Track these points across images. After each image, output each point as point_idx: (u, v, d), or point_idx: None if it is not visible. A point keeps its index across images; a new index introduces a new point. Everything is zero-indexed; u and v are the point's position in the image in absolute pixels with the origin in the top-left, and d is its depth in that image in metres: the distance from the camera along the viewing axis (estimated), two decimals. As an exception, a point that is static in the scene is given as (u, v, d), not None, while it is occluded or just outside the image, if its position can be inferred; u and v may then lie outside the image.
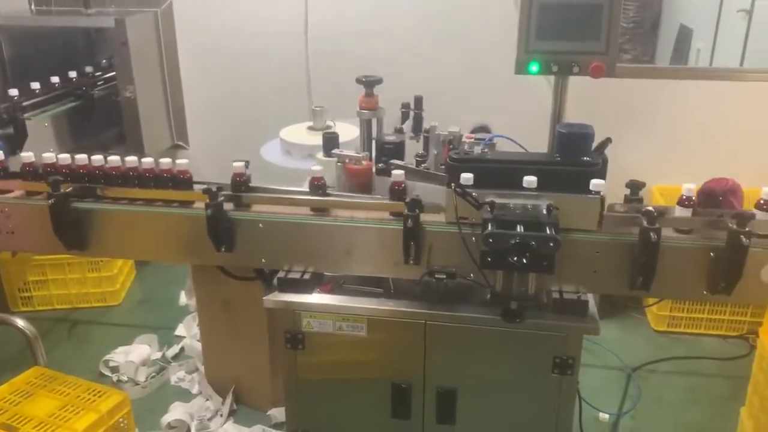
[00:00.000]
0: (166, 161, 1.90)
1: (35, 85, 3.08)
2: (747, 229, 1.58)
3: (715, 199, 1.79)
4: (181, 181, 1.89)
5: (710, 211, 1.70)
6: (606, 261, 1.70)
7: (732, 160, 3.44)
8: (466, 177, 1.66)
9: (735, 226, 1.58)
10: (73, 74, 3.32)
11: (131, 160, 1.91)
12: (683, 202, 1.67)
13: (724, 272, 1.62)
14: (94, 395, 2.22)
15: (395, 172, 1.82)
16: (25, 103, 2.96)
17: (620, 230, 1.70)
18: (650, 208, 1.63)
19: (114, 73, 3.45)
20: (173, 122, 3.74)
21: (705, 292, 1.69)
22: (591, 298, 1.81)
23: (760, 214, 1.64)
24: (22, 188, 1.98)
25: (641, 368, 3.27)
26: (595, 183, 1.66)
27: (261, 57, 3.80)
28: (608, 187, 1.71)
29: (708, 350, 3.42)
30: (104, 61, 3.69)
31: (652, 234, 1.59)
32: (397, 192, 1.79)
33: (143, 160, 1.92)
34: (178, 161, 1.91)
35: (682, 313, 3.50)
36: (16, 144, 2.76)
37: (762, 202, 1.64)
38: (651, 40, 3.92)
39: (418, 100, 2.41)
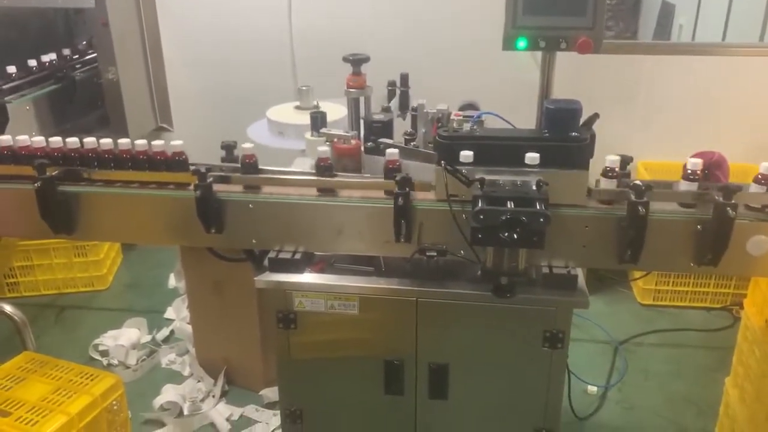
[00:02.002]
0: (158, 143, 1.88)
1: (14, 68, 3.02)
2: (733, 201, 1.60)
3: (701, 172, 1.81)
4: (173, 162, 1.87)
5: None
6: (595, 235, 1.72)
7: (716, 135, 3.48)
8: (466, 155, 1.66)
9: (721, 199, 1.60)
10: (53, 56, 3.26)
11: (121, 142, 1.89)
12: (688, 176, 1.68)
13: (711, 244, 1.64)
14: (87, 378, 2.22)
15: (389, 150, 1.81)
16: (4, 87, 2.91)
17: (609, 205, 1.72)
18: (638, 182, 1.65)
19: (94, 54, 3.40)
20: (157, 104, 3.70)
21: (692, 264, 1.71)
22: (580, 273, 1.83)
23: (754, 187, 1.66)
24: (6, 172, 1.95)
25: (628, 341, 3.33)
26: (610, 159, 1.71)
27: (245, 37, 3.76)
28: (595, 162, 1.72)
29: (693, 322, 3.49)
30: (84, 42, 3.63)
31: (640, 207, 1.61)
32: (392, 171, 1.79)
33: (125, 141, 1.90)
34: (172, 143, 1.88)
35: (667, 287, 3.57)
36: (-3, 128, 2.73)
37: (760, 176, 1.66)
38: (633, 17, 3.92)
39: (404, 78, 2.41)
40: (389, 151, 1.81)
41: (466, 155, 1.67)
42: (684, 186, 1.70)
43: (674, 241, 1.70)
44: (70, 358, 2.42)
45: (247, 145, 1.88)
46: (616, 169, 1.72)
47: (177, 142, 1.88)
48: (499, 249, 1.69)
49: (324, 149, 1.85)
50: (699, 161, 1.69)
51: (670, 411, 2.88)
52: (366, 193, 1.82)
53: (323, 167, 1.84)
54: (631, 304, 3.65)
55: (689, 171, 1.69)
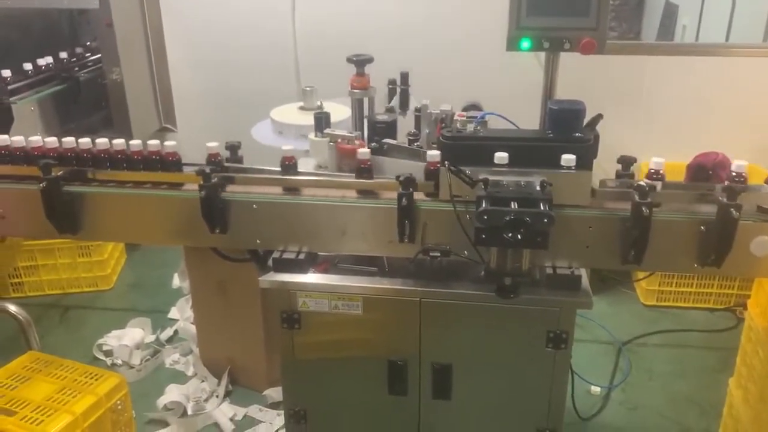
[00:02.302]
0: (170, 144, 1.90)
1: (19, 69, 3.04)
2: (737, 202, 1.60)
3: (705, 173, 1.81)
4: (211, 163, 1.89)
5: (700, 185, 1.73)
6: (599, 236, 1.72)
7: (719, 136, 3.48)
8: (501, 156, 1.65)
9: (725, 200, 1.60)
10: (57, 57, 3.27)
11: (121, 143, 1.91)
12: (732, 179, 1.68)
13: (715, 245, 1.64)
14: (91, 378, 2.22)
15: (430, 152, 1.80)
16: (9, 87, 2.93)
17: (612, 205, 1.72)
18: (642, 182, 1.65)
19: (98, 55, 3.41)
20: (161, 105, 3.71)
21: (695, 265, 1.71)
22: (584, 273, 1.83)
23: (766, 188, 1.67)
24: (12, 172, 1.96)
25: (631, 342, 3.33)
26: (655, 161, 1.73)
27: (248, 37, 3.77)
28: (598, 163, 1.73)
29: (696, 323, 3.48)
30: (88, 43, 3.64)
31: (644, 208, 1.61)
32: (433, 172, 1.77)
33: (136, 143, 1.91)
34: (209, 144, 1.90)
35: (670, 288, 3.56)
36: (1, 128, 2.74)
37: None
38: (636, 18, 3.92)
39: (404, 76, 2.41)
40: (430, 152, 1.80)
41: (501, 157, 1.66)
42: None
43: (678, 242, 1.70)
44: (75, 358, 2.43)
45: (287, 147, 1.89)
46: (661, 172, 1.71)
47: (213, 144, 1.90)
48: (502, 249, 1.69)
49: (365, 151, 1.85)
50: (744, 163, 1.69)
51: (673, 411, 2.88)
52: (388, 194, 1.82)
53: (363, 169, 1.83)
54: (634, 304, 3.64)
55: (735, 173, 1.68)
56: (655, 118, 3.66)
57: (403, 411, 2.00)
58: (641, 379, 3.09)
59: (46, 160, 1.85)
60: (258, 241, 1.91)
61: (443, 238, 1.77)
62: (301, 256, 1.90)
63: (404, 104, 2.38)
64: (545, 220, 1.54)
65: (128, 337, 3.25)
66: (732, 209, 1.59)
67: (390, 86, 2.39)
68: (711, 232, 1.64)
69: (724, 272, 1.72)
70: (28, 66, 3.09)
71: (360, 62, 2.16)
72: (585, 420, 2.80)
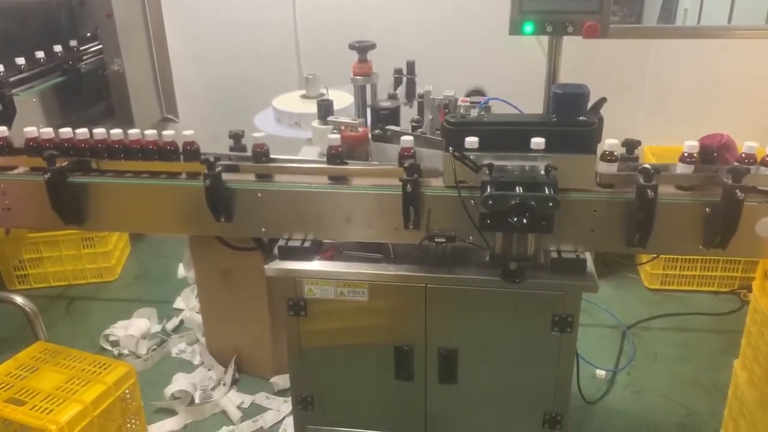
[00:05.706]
0: (169, 133, 1.89)
1: (20, 61, 3.03)
2: (742, 183, 1.60)
3: (710, 155, 1.81)
4: (184, 152, 1.88)
5: (705, 167, 1.72)
6: (604, 219, 1.72)
7: (723, 118, 3.46)
8: (471, 141, 1.67)
9: (730, 181, 1.60)
10: (58, 48, 3.26)
11: (130, 132, 1.91)
12: (685, 159, 1.69)
13: (720, 227, 1.64)
14: (100, 368, 2.24)
15: (404, 138, 1.81)
16: (11, 79, 2.92)
17: (617, 189, 1.72)
18: (647, 165, 1.65)
19: (99, 46, 3.40)
20: (162, 95, 3.70)
21: (701, 247, 1.72)
22: (589, 257, 1.83)
23: (763, 169, 1.66)
24: (18, 164, 1.97)
25: (636, 326, 3.34)
26: (609, 143, 1.68)
27: (249, 26, 3.75)
28: (602, 147, 1.72)
29: (701, 306, 3.49)
30: (88, 34, 3.63)
31: (648, 191, 1.61)
32: (407, 158, 1.79)
33: (134, 132, 1.91)
34: (184, 133, 1.89)
35: (674, 271, 3.57)
36: (4, 120, 2.73)
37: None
38: (638, 2, 3.90)
39: (411, 65, 2.40)
40: (404, 138, 1.81)
41: (471, 141, 1.67)
42: (680, 168, 1.70)
43: (683, 225, 1.70)
44: (82, 348, 2.44)
45: (258, 134, 1.89)
46: (615, 153, 1.71)
47: (188, 132, 1.89)
48: (507, 234, 1.70)
49: (335, 137, 1.86)
50: (696, 144, 1.69)
51: (678, 394, 2.89)
52: (374, 180, 1.83)
53: (334, 155, 1.84)
54: (638, 288, 3.65)
55: (686, 154, 1.69)
56: (659, 101, 3.65)
57: (409, 396, 2.02)
58: (646, 362, 3.10)
59: (50, 151, 1.85)
60: (263, 230, 1.92)
61: (448, 223, 1.77)
62: (307, 244, 1.90)
63: (410, 94, 2.37)
64: (550, 204, 1.54)
65: (134, 327, 3.26)
66: (737, 191, 1.59)
67: (396, 75, 2.38)
68: (716, 214, 1.64)
69: (729, 254, 1.72)
70: (30, 57, 3.08)
71: (362, 48, 2.16)
72: (591, 403, 2.81)
